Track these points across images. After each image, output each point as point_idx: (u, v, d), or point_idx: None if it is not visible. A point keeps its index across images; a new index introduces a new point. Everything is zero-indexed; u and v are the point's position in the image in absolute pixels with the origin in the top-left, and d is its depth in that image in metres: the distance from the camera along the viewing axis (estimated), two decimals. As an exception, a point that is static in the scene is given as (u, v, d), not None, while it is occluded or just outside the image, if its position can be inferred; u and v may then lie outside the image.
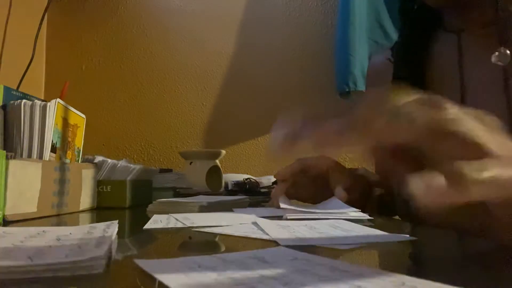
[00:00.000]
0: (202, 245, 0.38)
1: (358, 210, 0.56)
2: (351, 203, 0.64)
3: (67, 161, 0.65)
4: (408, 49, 0.67)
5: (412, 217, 0.64)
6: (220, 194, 1.06)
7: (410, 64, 0.66)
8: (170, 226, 0.44)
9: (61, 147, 0.63)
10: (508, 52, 0.54)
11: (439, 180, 0.25)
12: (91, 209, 0.68)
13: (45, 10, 1.46)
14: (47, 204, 0.54)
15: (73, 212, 0.61)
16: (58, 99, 0.61)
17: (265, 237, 0.36)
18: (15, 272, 0.22)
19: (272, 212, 0.57)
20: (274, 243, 0.32)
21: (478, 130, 0.28)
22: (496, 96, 0.56)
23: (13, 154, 0.49)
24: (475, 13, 0.61)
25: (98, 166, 0.72)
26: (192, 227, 0.43)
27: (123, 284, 0.24)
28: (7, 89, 0.59)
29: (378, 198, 0.73)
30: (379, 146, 0.31)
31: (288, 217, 0.49)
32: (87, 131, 0.75)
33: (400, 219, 0.73)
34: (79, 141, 0.71)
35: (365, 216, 0.54)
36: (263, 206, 0.73)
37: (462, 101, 0.60)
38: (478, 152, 0.27)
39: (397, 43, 0.71)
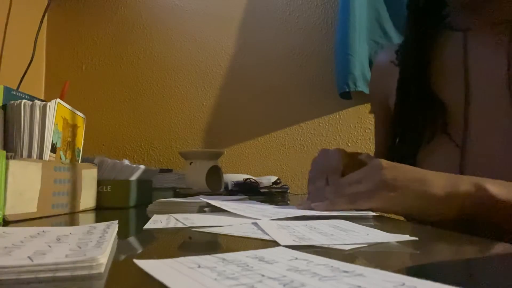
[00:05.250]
0: (202, 245, 0.38)
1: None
2: None
3: (67, 161, 0.65)
4: (413, 48, 0.67)
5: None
6: (220, 194, 1.06)
7: (416, 63, 0.66)
8: (170, 226, 0.44)
9: (61, 147, 0.63)
10: None
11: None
12: (91, 209, 0.68)
13: (45, 10, 1.46)
14: (47, 204, 0.54)
15: (73, 212, 0.61)
16: (58, 99, 0.61)
17: (265, 237, 0.36)
18: (15, 272, 0.22)
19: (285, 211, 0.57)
20: (274, 243, 0.32)
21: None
22: (500, 95, 0.56)
23: (13, 154, 0.48)
24: (485, 13, 0.61)
25: (98, 166, 0.72)
26: (192, 227, 0.43)
27: (123, 284, 0.24)
28: (7, 89, 0.59)
29: None
30: None
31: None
32: (87, 131, 0.75)
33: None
34: (79, 141, 0.71)
35: (367, 213, 0.55)
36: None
37: (466, 99, 0.60)
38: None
39: (403, 44, 0.71)
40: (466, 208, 0.48)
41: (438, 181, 0.49)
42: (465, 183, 0.48)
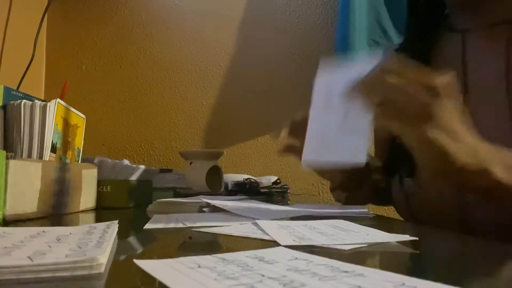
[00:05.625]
0: (202, 245, 0.38)
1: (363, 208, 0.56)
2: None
3: (67, 161, 0.65)
4: (413, 48, 0.68)
5: (408, 208, 0.64)
6: (220, 194, 1.06)
7: (415, 63, 0.66)
8: (170, 226, 0.44)
9: (61, 147, 0.63)
10: None
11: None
12: (91, 209, 0.68)
13: (45, 10, 1.46)
14: (47, 204, 0.54)
15: (73, 212, 0.61)
16: (58, 99, 0.61)
17: (265, 237, 0.36)
18: (15, 272, 0.22)
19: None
20: (274, 243, 0.32)
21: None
22: (498, 96, 0.56)
23: (13, 154, 0.48)
24: (483, 14, 0.61)
25: (98, 166, 0.72)
26: (192, 227, 0.43)
27: (123, 284, 0.24)
28: (7, 89, 0.59)
29: (373, 183, 0.72)
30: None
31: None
32: (87, 131, 0.75)
33: (396, 210, 0.73)
34: (79, 141, 0.71)
35: (366, 213, 0.55)
36: None
37: (465, 100, 0.60)
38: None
39: (402, 44, 0.71)
40: (471, 185, 0.49)
41: (464, 148, 0.47)
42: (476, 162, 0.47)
